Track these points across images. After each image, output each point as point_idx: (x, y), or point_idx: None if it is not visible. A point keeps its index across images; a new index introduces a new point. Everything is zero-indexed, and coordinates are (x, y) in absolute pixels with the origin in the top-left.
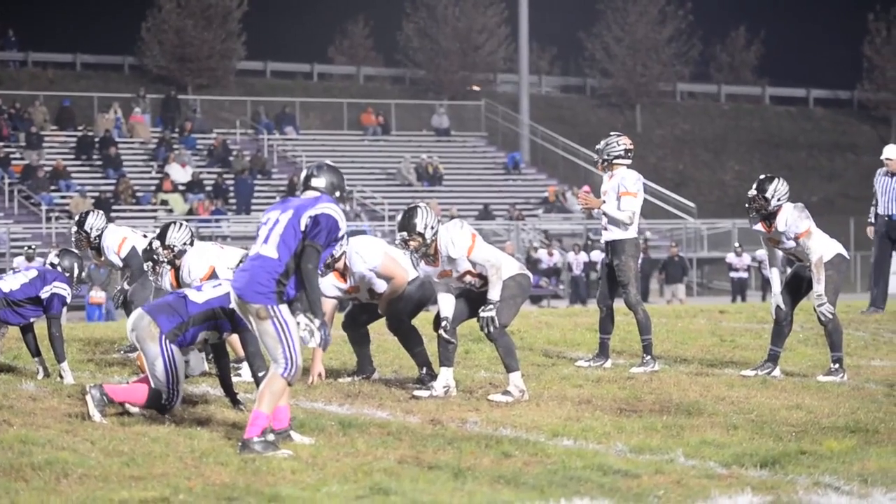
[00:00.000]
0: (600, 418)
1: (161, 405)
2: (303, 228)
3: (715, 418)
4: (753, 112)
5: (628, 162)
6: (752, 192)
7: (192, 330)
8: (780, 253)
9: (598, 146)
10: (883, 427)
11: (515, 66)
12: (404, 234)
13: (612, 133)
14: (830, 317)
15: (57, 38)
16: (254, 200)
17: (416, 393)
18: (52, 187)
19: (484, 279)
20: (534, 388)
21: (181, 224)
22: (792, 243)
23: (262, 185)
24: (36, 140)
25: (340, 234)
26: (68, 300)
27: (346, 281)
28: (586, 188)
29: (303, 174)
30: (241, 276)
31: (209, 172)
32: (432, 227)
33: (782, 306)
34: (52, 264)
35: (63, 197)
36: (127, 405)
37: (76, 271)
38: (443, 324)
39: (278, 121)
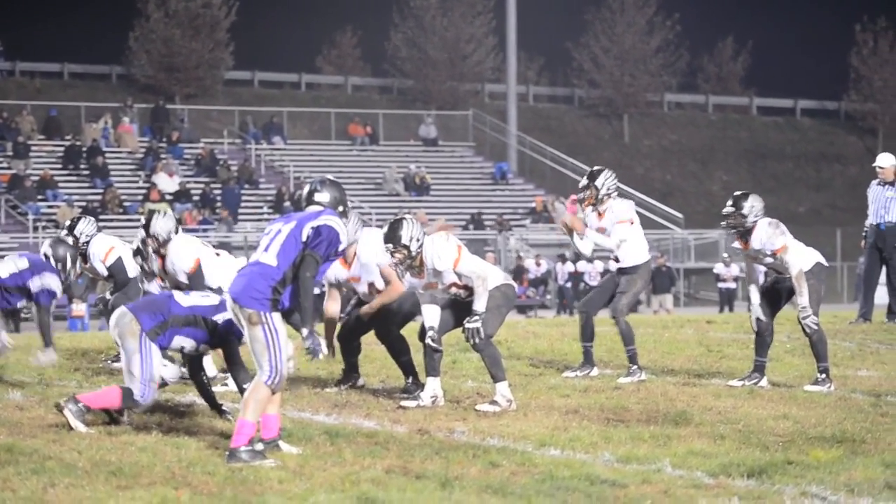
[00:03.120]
0: (587, 428)
1: (134, 401)
2: (304, 239)
3: (702, 428)
4: (741, 122)
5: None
6: (728, 208)
7: (170, 331)
8: (759, 267)
9: (593, 182)
10: (869, 437)
11: (503, 75)
12: (390, 245)
13: (595, 169)
14: (815, 328)
15: (44, 47)
16: (241, 210)
17: (403, 403)
18: (39, 197)
19: (469, 290)
20: (521, 397)
21: (165, 212)
22: (771, 259)
23: (250, 194)
24: (23, 149)
25: (341, 248)
26: (59, 294)
27: (349, 268)
28: (570, 202)
29: (306, 189)
30: (238, 281)
31: (196, 182)
32: (418, 240)
33: (763, 318)
34: (45, 255)
35: (50, 206)
36: (114, 412)
37: (69, 262)
38: (429, 333)
39: (266, 130)
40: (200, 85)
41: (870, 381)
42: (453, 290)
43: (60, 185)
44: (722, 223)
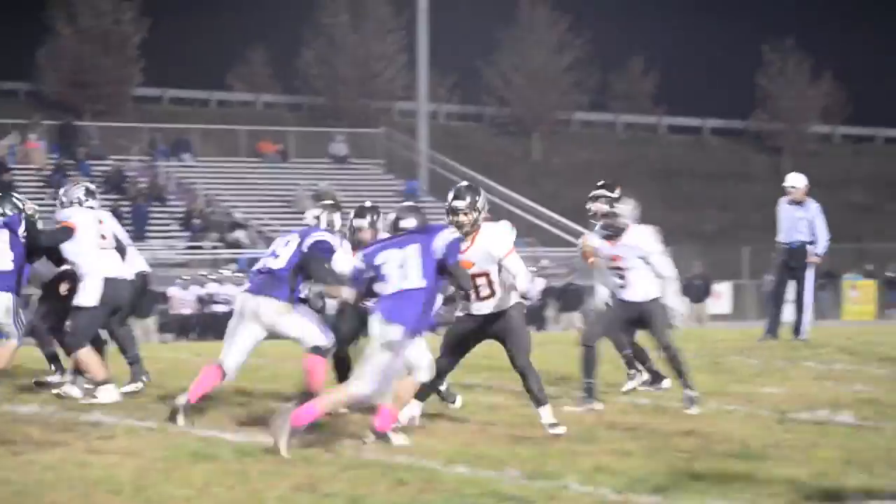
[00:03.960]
0: (495, 444)
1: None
2: (440, 255)
3: (609, 444)
4: (650, 141)
5: None
6: (605, 207)
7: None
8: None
9: (615, 196)
10: (774, 453)
11: (414, 93)
12: (461, 203)
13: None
14: (670, 344)
15: None
16: (149, 227)
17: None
18: None
19: (489, 291)
20: (430, 415)
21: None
22: (633, 263)
23: (159, 211)
24: None
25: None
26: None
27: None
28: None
29: (391, 217)
30: (399, 312)
31: (105, 199)
32: (484, 213)
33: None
34: None
35: None
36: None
37: (21, 208)
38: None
39: (175, 147)
40: (110, 101)
41: (775, 397)
42: (479, 280)
43: None
44: (601, 221)
